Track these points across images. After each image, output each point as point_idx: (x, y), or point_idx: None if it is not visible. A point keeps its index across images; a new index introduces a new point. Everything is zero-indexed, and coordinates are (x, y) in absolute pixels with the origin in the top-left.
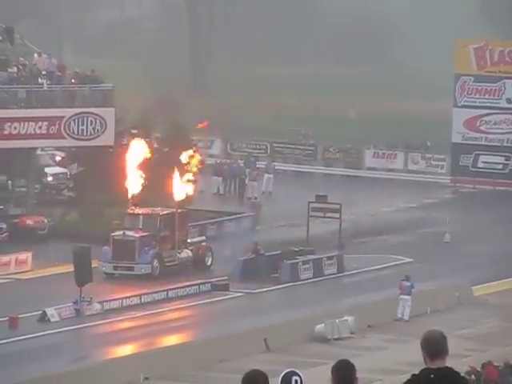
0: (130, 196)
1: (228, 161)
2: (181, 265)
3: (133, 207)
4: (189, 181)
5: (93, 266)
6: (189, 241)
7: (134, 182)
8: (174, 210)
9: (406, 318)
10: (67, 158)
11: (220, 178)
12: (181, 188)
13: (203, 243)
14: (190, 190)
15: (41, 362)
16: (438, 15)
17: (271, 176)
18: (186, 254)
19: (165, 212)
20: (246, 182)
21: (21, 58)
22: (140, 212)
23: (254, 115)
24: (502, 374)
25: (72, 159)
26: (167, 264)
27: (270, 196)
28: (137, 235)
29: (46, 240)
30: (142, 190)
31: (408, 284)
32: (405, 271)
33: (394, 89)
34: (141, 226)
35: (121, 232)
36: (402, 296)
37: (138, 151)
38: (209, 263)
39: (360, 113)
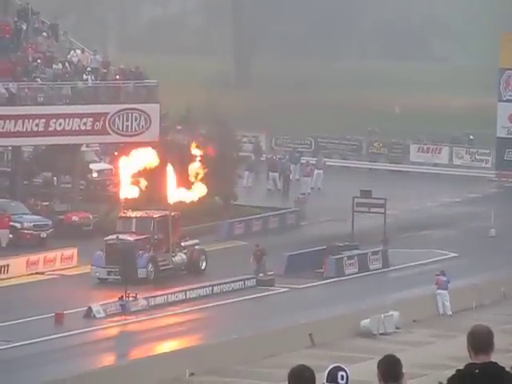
0: (122, 198)
1: (278, 156)
2: (175, 269)
3: (125, 210)
4: (195, 180)
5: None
6: (182, 244)
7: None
8: (168, 212)
9: (449, 312)
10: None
11: (276, 174)
12: (177, 190)
13: (196, 246)
14: (193, 193)
15: (86, 358)
16: (482, 9)
17: (321, 172)
18: (181, 257)
19: (158, 215)
20: (291, 177)
21: (68, 56)
22: (133, 215)
23: (298, 110)
24: None
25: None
26: (162, 268)
27: (319, 192)
28: (131, 239)
29: (92, 236)
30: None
31: (444, 279)
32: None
33: (438, 83)
34: (134, 230)
35: (114, 236)
36: (439, 291)
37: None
38: (203, 267)
39: (404, 108)
